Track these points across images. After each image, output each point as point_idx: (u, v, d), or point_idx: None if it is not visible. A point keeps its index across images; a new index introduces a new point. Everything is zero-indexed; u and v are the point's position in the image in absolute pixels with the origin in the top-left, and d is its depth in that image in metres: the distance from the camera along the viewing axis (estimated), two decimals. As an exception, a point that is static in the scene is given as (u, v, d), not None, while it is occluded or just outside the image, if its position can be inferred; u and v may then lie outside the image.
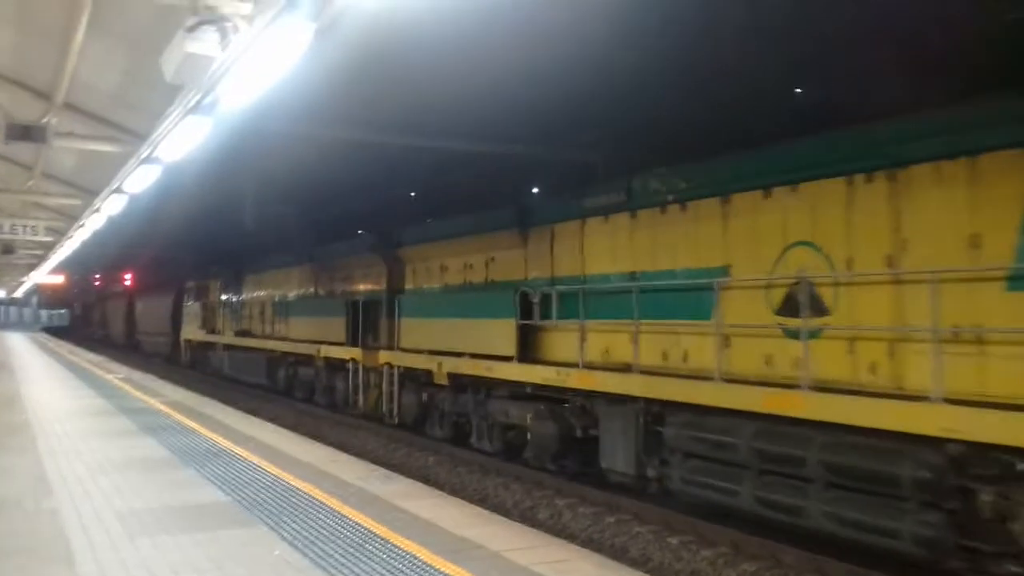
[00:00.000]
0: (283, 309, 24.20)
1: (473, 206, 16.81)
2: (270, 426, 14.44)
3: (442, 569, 6.10)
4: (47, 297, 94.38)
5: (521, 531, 7.42)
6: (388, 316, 17.62)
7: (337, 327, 19.31)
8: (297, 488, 8.71)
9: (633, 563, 9.16)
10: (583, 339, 11.69)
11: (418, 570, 6.08)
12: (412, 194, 24.94)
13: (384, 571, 6.03)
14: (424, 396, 15.97)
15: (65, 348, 45.78)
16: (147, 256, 42.30)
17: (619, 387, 10.64)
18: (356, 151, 17.07)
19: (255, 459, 10.38)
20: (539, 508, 11.53)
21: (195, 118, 8.32)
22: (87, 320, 77.44)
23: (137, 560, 6.26)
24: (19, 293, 64.89)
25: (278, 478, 9.22)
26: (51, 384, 21.80)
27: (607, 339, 11.62)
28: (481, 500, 12.10)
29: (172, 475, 9.41)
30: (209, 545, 6.65)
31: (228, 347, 28.44)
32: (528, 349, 13.04)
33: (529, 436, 12.70)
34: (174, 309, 37.08)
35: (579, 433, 11.63)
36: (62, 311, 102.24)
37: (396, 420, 16.74)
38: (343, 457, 11.12)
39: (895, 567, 7.90)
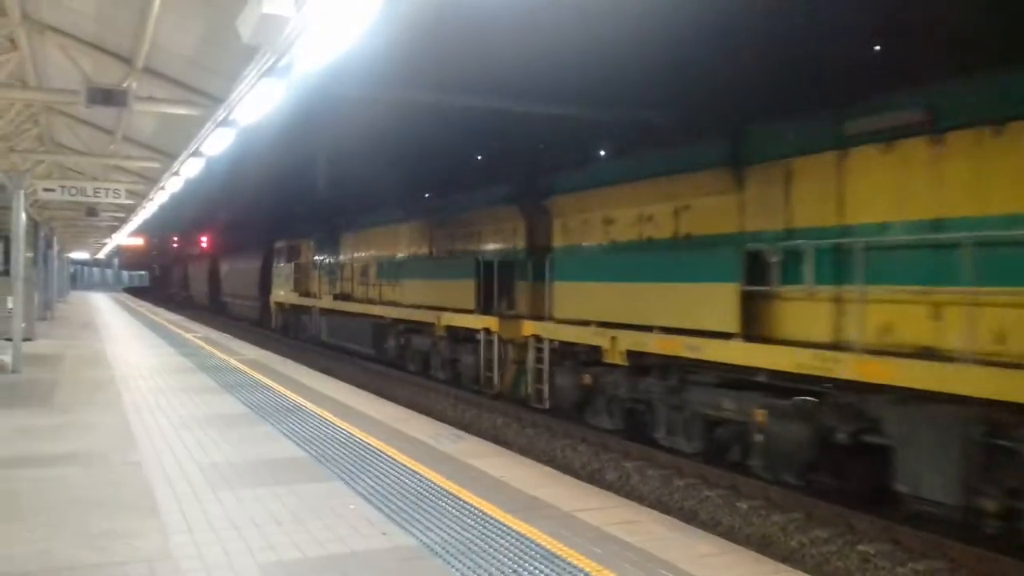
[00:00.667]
0: (391, 271, 21.58)
1: (656, 142, 13.59)
2: (343, 384, 14.74)
3: (514, 527, 6.18)
4: (127, 258, 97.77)
5: (591, 492, 7.46)
6: (532, 279, 15.00)
7: (462, 291, 16.60)
8: (370, 445, 8.90)
9: (703, 526, 9.14)
10: (852, 312, 8.67)
11: (490, 527, 6.17)
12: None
13: (457, 527, 6.14)
14: (586, 377, 13.01)
15: (146, 308, 47.49)
16: (233, 216, 44.29)
17: (939, 382, 7.40)
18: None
19: (329, 416, 10.64)
20: (607, 470, 11.57)
21: (270, 80, 8.41)
22: (166, 281, 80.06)
23: (220, 512, 6.50)
24: (102, 255, 67.28)
25: (351, 435, 9.44)
26: (134, 342, 22.62)
27: (888, 312, 8.35)
28: (549, 461, 12.18)
29: (250, 430, 9.71)
30: (288, 498, 6.86)
31: (326, 312, 26.44)
32: (751, 323, 9.79)
33: (760, 438, 9.65)
34: (262, 271, 35.78)
35: (843, 439, 8.63)
36: (142, 272, 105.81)
37: (547, 404, 14.00)
38: (414, 416, 11.30)
39: (972, 536, 7.73)
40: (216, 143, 12.16)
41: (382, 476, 7.57)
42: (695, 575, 5.28)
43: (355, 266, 24.80)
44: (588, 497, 7.17)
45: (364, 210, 25.56)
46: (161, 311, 43.75)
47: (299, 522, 6.26)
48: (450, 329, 17.47)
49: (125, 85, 10.45)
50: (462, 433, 10.00)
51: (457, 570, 5.30)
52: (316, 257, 28.60)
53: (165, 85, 11.02)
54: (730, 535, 8.83)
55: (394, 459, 8.25)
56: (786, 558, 8.14)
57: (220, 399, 12.09)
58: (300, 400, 12.01)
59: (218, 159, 13.40)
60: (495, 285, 15.83)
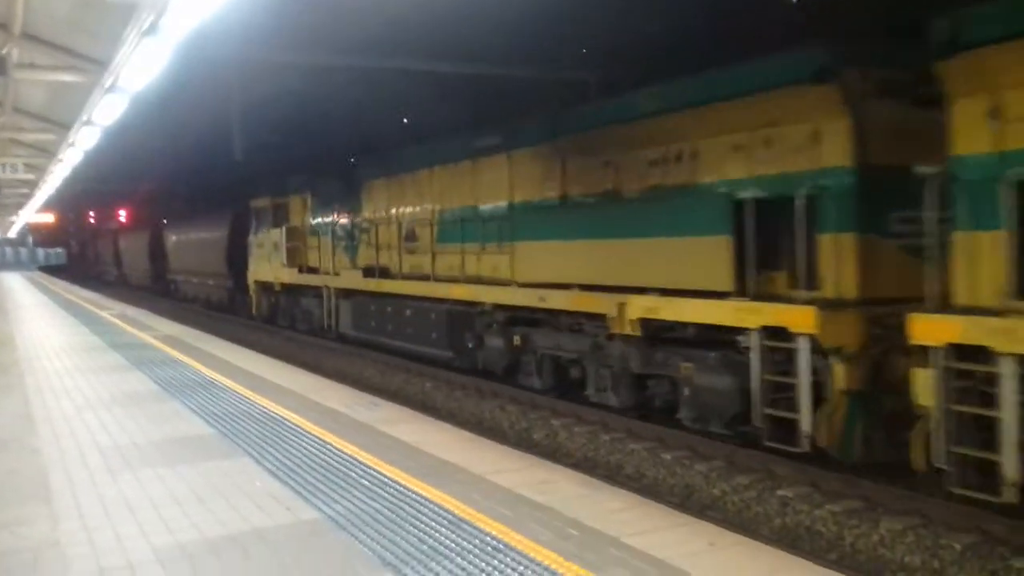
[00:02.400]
0: (477, 230, 13.87)
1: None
2: (263, 357, 14.50)
3: (423, 492, 6.13)
4: (42, 236, 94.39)
5: (506, 453, 7.46)
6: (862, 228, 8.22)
7: (690, 257, 9.44)
8: (283, 417, 8.74)
9: (627, 479, 9.27)
10: None
11: (400, 495, 6.11)
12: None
13: (365, 497, 6.06)
14: None
15: (61, 286, 45.98)
16: (181, 174, 34.55)
17: None
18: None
19: (242, 390, 10.43)
20: (535, 429, 11.61)
21: (151, 41, 8.05)
22: (89, 258, 77.10)
23: (116, 494, 6.31)
24: (12, 233, 64.83)
25: (265, 408, 9.26)
26: (42, 322, 21.87)
27: None
28: (477, 423, 12.22)
29: (158, 408, 9.45)
30: (192, 478, 6.69)
31: (346, 294, 18.80)
32: None
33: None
34: (231, 240, 27.05)
35: None
36: (59, 250, 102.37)
37: None
38: (331, 385, 11.18)
39: (885, 476, 7.95)
40: (107, 111, 11.66)
41: (292, 449, 7.44)
42: (602, 531, 5.29)
43: (397, 226, 16.65)
44: (503, 459, 7.16)
45: (407, 146, 17.54)
46: (76, 289, 42.41)
47: (200, 501, 6.10)
48: (650, 326, 10.05)
49: (4, 52, 9.93)
50: (379, 400, 9.91)
51: (361, 542, 5.23)
52: (319, 218, 20.60)
53: (46, 50, 10.51)
54: (654, 487, 8.96)
55: (306, 431, 8.12)
56: (707, 506, 8.30)
57: (129, 377, 11.75)
58: (214, 375, 11.75)
59: (154, 101, 12.68)
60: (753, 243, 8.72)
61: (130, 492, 6.37)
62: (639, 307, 9.98)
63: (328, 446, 7.52)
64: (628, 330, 10.18)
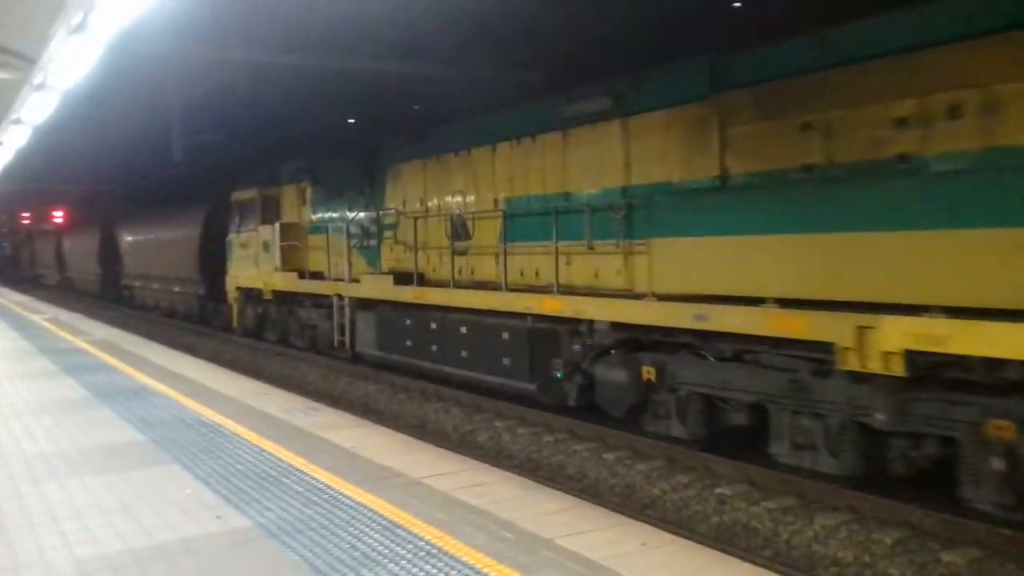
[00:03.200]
0: (594, 223, 10.29)
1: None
2: (202, 362, 14.28)
3: (358, 499, 6.10)
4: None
5: (444, 456, 7.45)
6: None
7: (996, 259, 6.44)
8: (217, 424, 8.62)
9: (569, 479, 9.34)
10: None
11: (334, 502, 6.07)
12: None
13: (299, 504, 6.01)
14: None
15: (-7, 290, 44.71)
16: (138, 168, 28.58)
17: None
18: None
19: (177, 396, 10.26)
20: (479, 431, 11.62)
21: (80, 38, 7.88)
22: (19, 260, 74.82)
23: (41, 505, 6.16)
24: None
25: (199, 415, 9.12)
26: (-27, 328, 21.23)
27: None
28: (420, 426, 12.19)
29: (88, 415, 9.24)
30: (119, 486, 6.56)
31: (367, 305, 15.22)
32: None
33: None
34: (204, 240, 23.46)
35: None
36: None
37: None
38: (270, 390, 11.05)
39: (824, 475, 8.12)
40: (38, 109, 11.39)
41: (225, 456, 7.34)
42: (536, 533, 5.32)
43: (441, 221, 13.58)
44: (441, 462, 7.15)
45: (454, 120, 14.08)
46: (8, 293, 41.26)
47: (127, 511, 5.99)
48: (921, 361, 6.87)
49: (-75, 46, 9.64)
50: (318, 405, 9.83)
51: (292, 549, 5.18)
52: (324, 212, 17.48)
53: (-30, 45, 10.21)
54: (595, 487, 9.04)
55: (241, 437, 8.02)
56: (647, 506, 8.39)
57: (59, 383, 11.48)
58: (148, 381, 11.54)
59: (88, 99, 12.24)
60: None
61: (55, 502, 6.22)
62: (904, 333, 6.71)
63: (263, 452, 7.44)
64: (878, 366, 6.92)
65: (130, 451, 7.66)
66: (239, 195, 20.40)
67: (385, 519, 5.65)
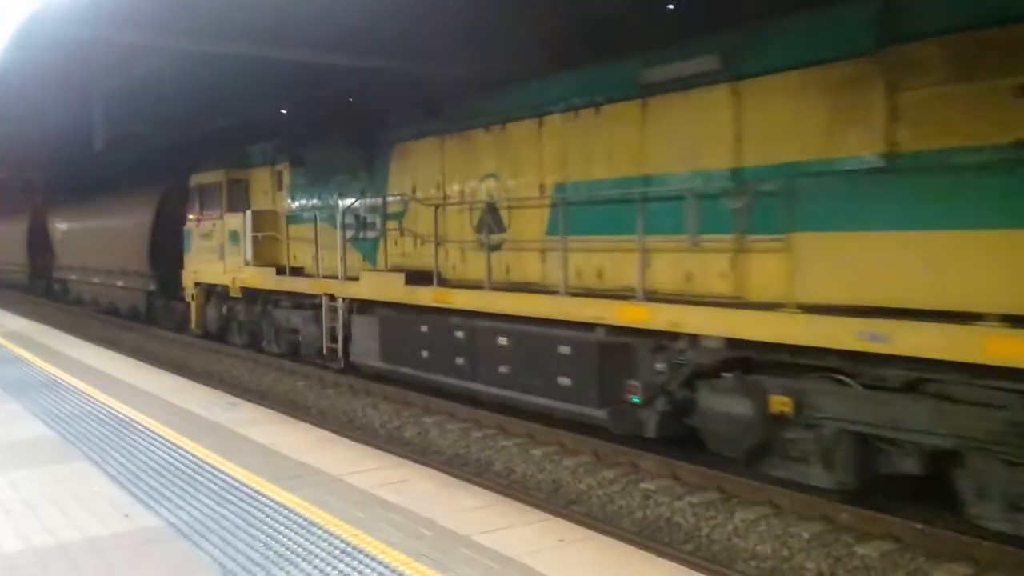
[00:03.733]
0: (706, 212, 8.07)
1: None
2: (121, 356, 13.91)
3: (274, 497, 6.00)
4: None
5: (366, 453, 7.39)
6: None
7: None
8: (132, 419, 8.41)
9: (496, 475, 9.32)
10: None
11: (248, 498, 5.97)
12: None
13: (212, 503, 5.89)
14: None
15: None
16: (68, 153, 26.35)
17: None
18: None
19: (91, 390, 9.98)
20: (407, 427, 11.52)
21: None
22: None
23: (-64, 506, 5.91)
24: None
25: (113, 410, 8.88)
26: None
27: None
28: (349, 422, 12.05)
29: (-6, 412, 8.93)
30: (23, 484, 6.36)
31: (365, 308, 12.99)
32: None
33: None
34: (156, 230, 21.00)
35: None
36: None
37: None
38: (191, 385, 10.83)
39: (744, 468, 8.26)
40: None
41: (137, 452, 7.16)
42: (455, 530, 5.30)
43: (461, 210, 11.51)
44: (362, 459, 7.08)
45: (482, 89, 11.75)
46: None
47: (31, 509, 5.81)
48: None
49: None
50: (238, 400, 9.66)
51: (202, 549, 5.07)
52: (307, 199, 15.14)
53: None
54: (522, 482, 9.04)
55: (155, 433, 7.83)
56: (573, 501, 8.41)
57: (-34, 379, 11.07)
58: (60, 374, 11.20)
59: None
60: None
61: (-48, 502, 5.99)
62: None
63: (178, 449, 7.27)
64: None
65: (38, 447, 7.43)
66: (200, 178, 17.73)
67: (301, 517, 5.57)
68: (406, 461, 7.34)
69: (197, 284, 17.91)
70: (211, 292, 17.76)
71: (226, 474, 6.54)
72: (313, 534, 5.28)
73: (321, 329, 13.69)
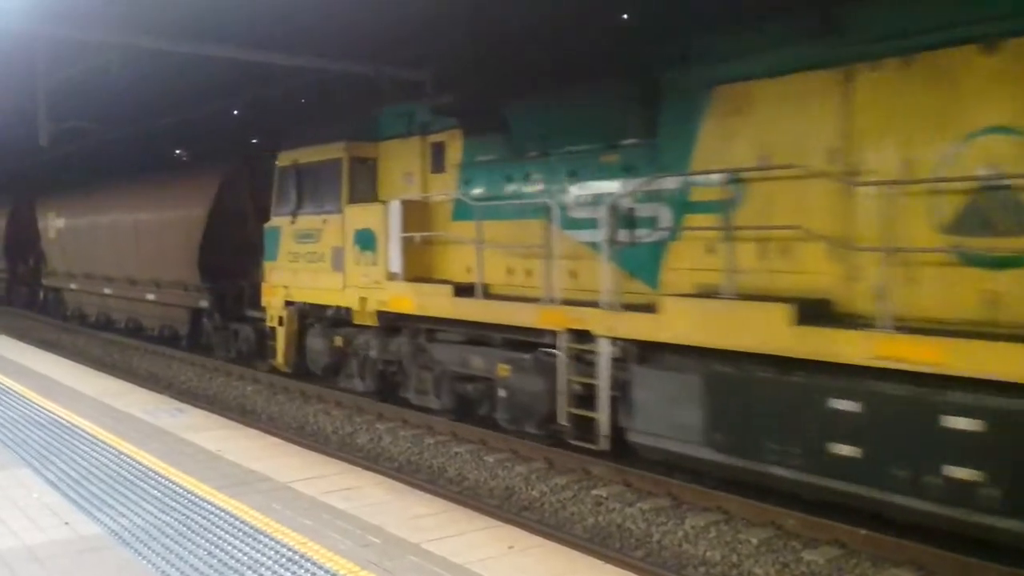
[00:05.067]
0: None
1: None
2: (64, 360, 13.67)
3: (221, 504, 5.96)
4: None
5: (315, 460, 7.36)
6: None
7: None
8: (74, 424, 8.28)
9: (449, 482, 9.33)
10: None
11: (195, 507, 5.91)
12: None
13: (155, 510, 5.83)
14: None
15: None
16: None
17: None
18: None
19: (31, 394, 9.81)
20: (359, 433, 11.49)
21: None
22: None
23: None
24: None
25: (54, 415, 8.73)
26: None
27: None
28: (299, 428, 11.97)
29: (-71, 417, 8.73)
30: (-42, 493, 6.22)
31: (659, 358, 8.17)
32: None
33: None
34: (209, 227, 16.06)
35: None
36: None
37: None
38: (137, 389, 10.69)
39: (695, 475, 8.38)
40: None
41: (79, 459, 7.06)
42: (404, 537, 5.32)
43: (904, 199, 6.59)
44: (312, 466, 7.06)
45: None
46: None
47: (-34, 519, 5.68)
48: None
49: None
50: (184, 405, 9.55)
51: (144, 557, 5.02)
52: (488, 184, 10.68)
53: None
54: (475, 489, 9.06)
55: (97, 439, 7.72)
56: (525, 508, 8.46)
57: (-101, 382, 10.80)
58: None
59: None
60: None
61: None
62: None
63: (122, 455, 7.18)
64: None
65: (-26, 454, 7.27)
66: (297, 156, 12.95)
67: (247, 525, 5.54)
68: (357, 468, 7.33)
69: (289, 303, 13.13)
70: (310, 315, 12.93)
71: (170, 480, 6.47)
72: (259, 542, 5.26)
73: (551, 385, 9.13)
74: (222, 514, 5.75)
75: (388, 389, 12.02)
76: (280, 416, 12.68)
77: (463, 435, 10.69)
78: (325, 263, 12.38)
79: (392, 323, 11.38)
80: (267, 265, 13.73)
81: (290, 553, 5.09)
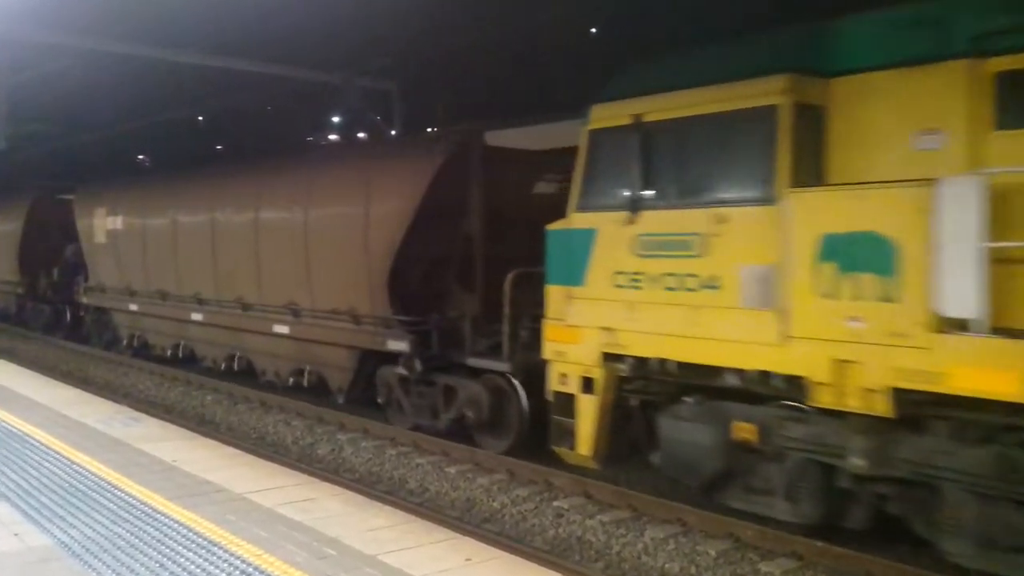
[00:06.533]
0: None
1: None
2: (17, 367, 13.43)
3: (174, 515, 5.90)
4: None
5: (273, 471, 7.31)
6: None
7: None
8: (24, 433, 8.15)
9: (410, 493, 9.31)
10: None
11: (148, 518, 5.85)
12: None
13: (107, 521, 5.76)
14: None
15: None
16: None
17: None
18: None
19: (-18, 404, 9.63)
20: (320, 444, 11.41)
21: None
22: None
23: None
24: None
25: (6, 423, 8.59)
26: None
27: None
28: (259, 438, 11.87)
29: None
30: (-97, 504, 6.09)
31: None
32: None
33: None
34: (412, 233, 10.50)
35: None
36: None
37: None
38: (92, 399, 10.54)
39: (656, 486, 8.43)
40: None
41: (30, 469, 6.95)
42: (360, 549, 5.30)
43: None
44: (268, 477, 7.01)
45: None
46: None
47: (-90, 531, 5.57)
48: None
49: None
50: (140, 415, 9.44)
51: (94, 569, 4.96)
52: None
53: None
54: (435, 500, 9.05)
55: (49, 448, 7.60)
56: (486, 519, 8.46)
57: None
58: (-50, 387, 10.77)
59: None
60: None
61: None
62: None
63: (74, 466, 7.08)
64: None
65: (-80, 464, 7.13)
66: (646, 106, 7.67)
67: (201, 536, 5.49)
68: (314, 479, 7.29)
69: (611, 357, 7.89)
70: (662, 381, 7.70)
71: (123, 491, 6.39)
72: (212, 554, 5.21)
73: None
74: (176, 526, 5.68)
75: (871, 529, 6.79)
76: (240, 426, 12.56)
77: (425, 446, 10.67)
78: (723, 293, 7.00)
79: (921, 412, 6.07)
80: (555, 292, 8.45)
81: (244, 565, 5.04)
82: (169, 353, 16.03)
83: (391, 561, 5.12)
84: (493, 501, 8.90)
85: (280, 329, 12.63)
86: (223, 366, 14.45)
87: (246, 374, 12.81)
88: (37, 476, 6.75)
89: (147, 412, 10.43)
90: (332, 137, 19.97)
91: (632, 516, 8.05)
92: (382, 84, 15.83)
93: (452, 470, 9.84)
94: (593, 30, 11.67)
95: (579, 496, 8.61)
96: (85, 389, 12.04)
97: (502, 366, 9.58)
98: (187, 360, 15.50)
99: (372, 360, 11.39)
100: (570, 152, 8.44)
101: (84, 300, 18.82)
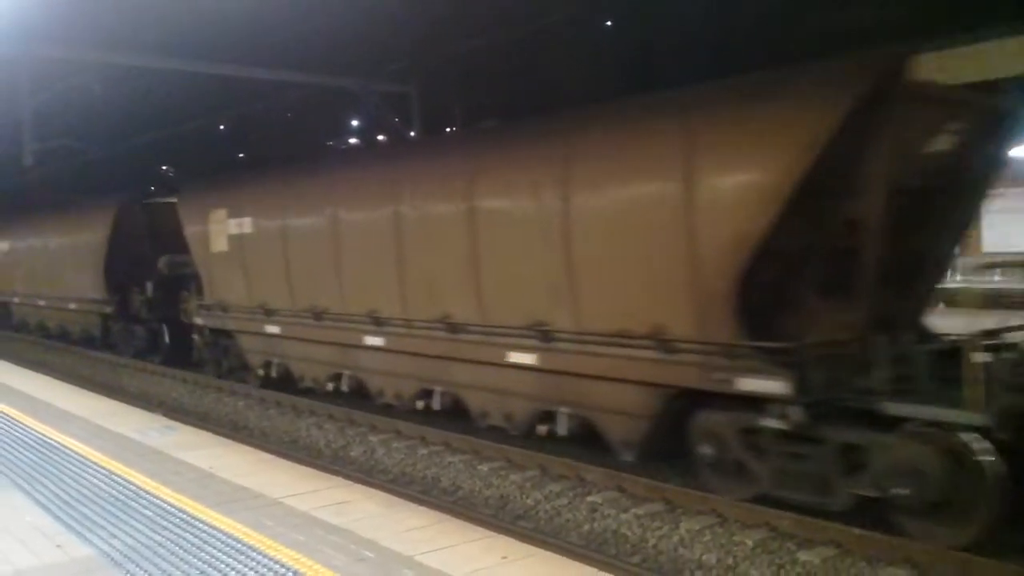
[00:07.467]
0: None
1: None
2: (51, 379, 13.62)
3: (213, 522, 5.96)
4: None
5: (306, 475, 7.37)
6: None
7: None
8: (62, 445, 8.26)
9: (443, 492, 9.35)
10: None
11: (187, 526, 5.91)
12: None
13: (148, 530, 5.83)
14: None
15: None
16: None
17: None
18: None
19: (18, 415, 9.77)
20: (352, 446, 11.48)
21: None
22: None
23: None
24: None
25: (43, 435, 8.70)
26: None
27: None
28: (292, 442, 11.96)
29: (-84, 442, 8.69)
30: (-52, 518, 6.20)
31: None
32: None
33: None
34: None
35: None
36: None
37: None
38: (126, 409, 10.66)
39: (690, 479, 8.40)
40: None
41: (70, 480, 7.05)
42: (397, 550, 5.33)
43: None
44: (304, 481, 7.06)
45: None
46: None
47: (-44, 545, 5.67)
48: None
49: None
50: (174, 424, 9.54)
51: (137, 577, 5.02)
52: None
53: None
54: (469, 498, 9.08)
55: (87, 459, 7.71)
56: (520, 516, 8.48)
57: None
58: (-12, 401, 10.94)
59: None
60: None
61: None
62: None
63: (112, 476, 7.17)
64: None
65: (-38, 478, 7.25)
66: None
67: (240, 542, 5.54)
68: (348, 482, 7.34)
69: None
70: None
71: (161, 500, 6.47)
72: (251, 559, 5.26)
73: None
74: (214, 532, 5.74)
75: None
76: (272, 431, 12.67)
77: (456, 445, 10.70)
78: None
79: None
80: None
81: (282, 569, 5.09)
82: (330, 387, 12.78)
83: (428, 561, 5.15)
84: (527, 498, 8.91)
85: (520, 358, 9.43)
86: (418, 404, 11.19)
87: (446, 415, 10.61)
88: (76, 487, 6.85)
89: (181, 420, 10.55)
90: (352, 141, 20.04)
91: (666, 508, 8.04)
92: (400, 87, 15.88)
93: (484, 468, 9.86)
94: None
95: (613, 490, 8.60)
96: (119, 399, 12.18)
97: (974, 418, 6.27)
98: (351, 395, 12.57)
99: (682, 403, 8.09)
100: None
101: (198, 321, 15.63)
